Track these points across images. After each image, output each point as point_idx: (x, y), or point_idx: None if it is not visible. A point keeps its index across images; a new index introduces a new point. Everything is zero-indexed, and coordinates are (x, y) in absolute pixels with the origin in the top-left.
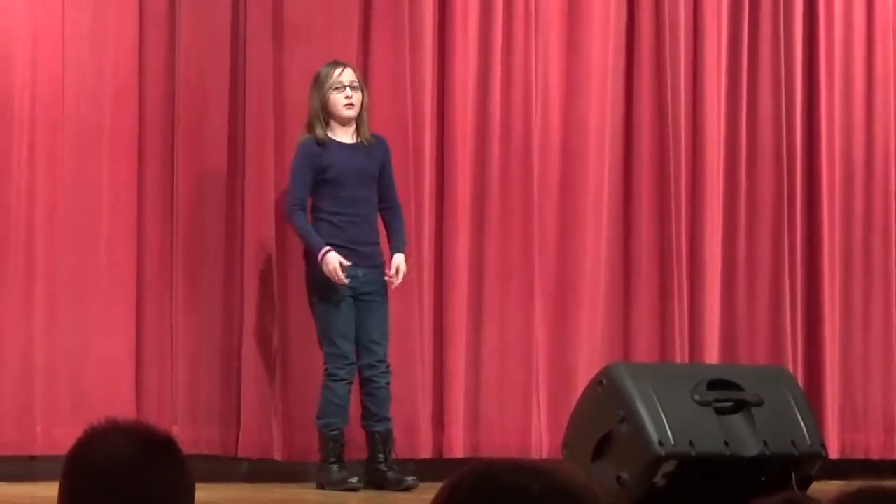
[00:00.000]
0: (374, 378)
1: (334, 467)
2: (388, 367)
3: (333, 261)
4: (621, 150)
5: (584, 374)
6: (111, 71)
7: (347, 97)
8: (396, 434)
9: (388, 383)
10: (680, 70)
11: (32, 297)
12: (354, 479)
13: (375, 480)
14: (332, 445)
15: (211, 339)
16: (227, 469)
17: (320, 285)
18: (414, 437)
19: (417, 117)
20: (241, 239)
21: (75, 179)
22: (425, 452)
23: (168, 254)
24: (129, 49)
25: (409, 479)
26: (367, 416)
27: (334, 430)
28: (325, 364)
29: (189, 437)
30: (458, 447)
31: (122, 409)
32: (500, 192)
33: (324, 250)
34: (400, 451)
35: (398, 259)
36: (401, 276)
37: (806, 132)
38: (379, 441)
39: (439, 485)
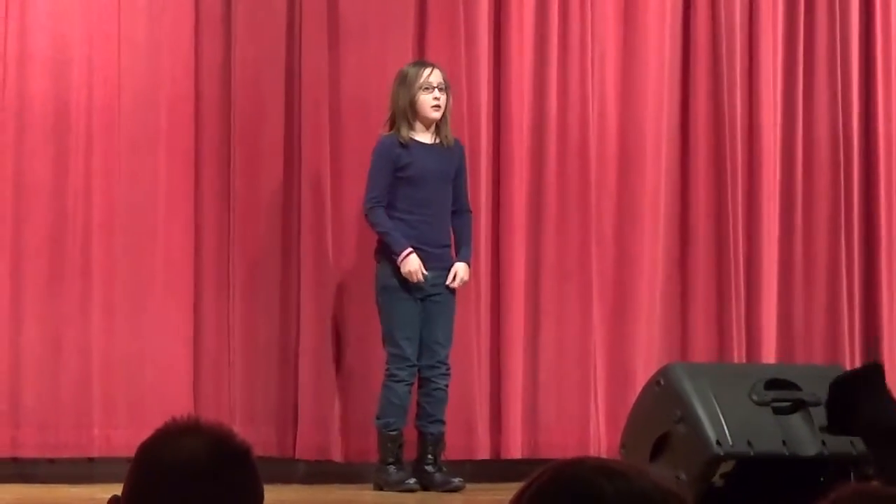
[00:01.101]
0: (433, 379)
1: (392, 468)
2: (448, 368)
3: (415, 263)
4: (678, 151)
5: (641, 375)
6: (167, 74)
7: (436, 98)
8: (454, 435)
9: (447, 385)
10: (736, 70)
11: (90, 300)
12: (412, 481)
13: (422, 480)
14: (391, 446)
15: (268, 341)
16: (284, 470)
17: (389, 285)
18: (471, 438)
19: (473, 117)
20: (298, 240)
21: (132, 183)
22: (483, 453)
23: (225, 256)
24: (185, 52)
25: (457, 480)
26: (423, 415)
27: (393, 430)
28: (386, 364)
29: (246, 438)
30: (515, 448)
31: (180, 410)
32: (556, 192)
33: (406, 251)
34: (457, 452)
35: (459, 268)
36: (457, 282)
37: (863, 131)
38: (430, 442)
39: (496, 486)
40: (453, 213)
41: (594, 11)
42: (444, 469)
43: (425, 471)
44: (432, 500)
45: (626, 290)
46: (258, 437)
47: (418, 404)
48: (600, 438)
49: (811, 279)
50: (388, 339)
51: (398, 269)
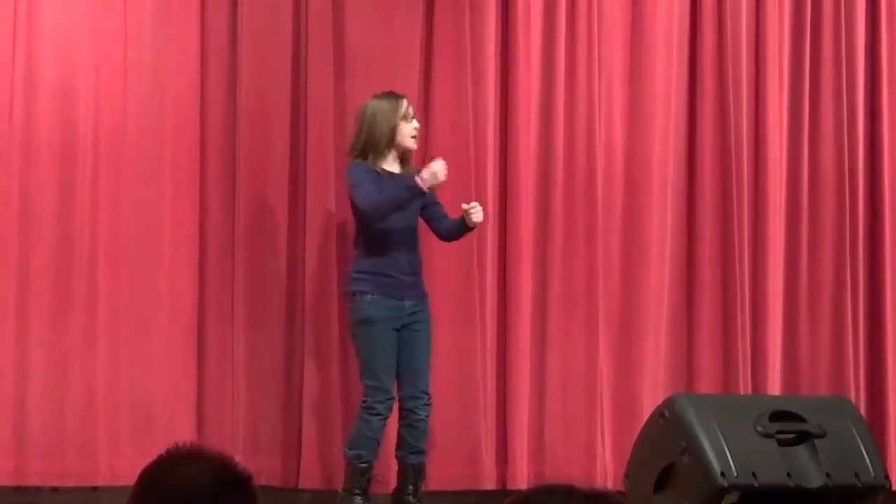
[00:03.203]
0: (415, 409)
1: (358, 499)
2: (429, 398)
3: (433, 165)
4: (684, 180)
5: (648, 405)
6: (173, 102)
7: (415, 128)
8: (460, 465)
9: (427, 416)
10: (742, 99)
11: (95, 328)
12: None
13: None
14: (359, 478)
15: (272, 370)
16: (288, 500)
17: (367, 317)
18: (477, 469)
19: (480, 146)
20: (303, 269)
21: (137, 210)
22: (489, 484)
23: (229, 285)
24: (190, 80)
25: None
26: (403, 446)
27: (364, 462)
28: (364, 396)
29: (250, 467)
30: (522, 478)
31: (185, 440)
32: (563, 221)
33: (417, 178)
34: (463, 482)
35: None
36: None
37: (868, 162)
38: (411, 473)
39: None
40: (442, 222)
41: (601, 39)
42: (425, 500)
43: (405, 501)
44: None
45: (632, 320)
46: (262, 467)
47: (399, 434)
48: (606, 468)
49: (816, 310)
50: (367, 371)
51: (375, 301)
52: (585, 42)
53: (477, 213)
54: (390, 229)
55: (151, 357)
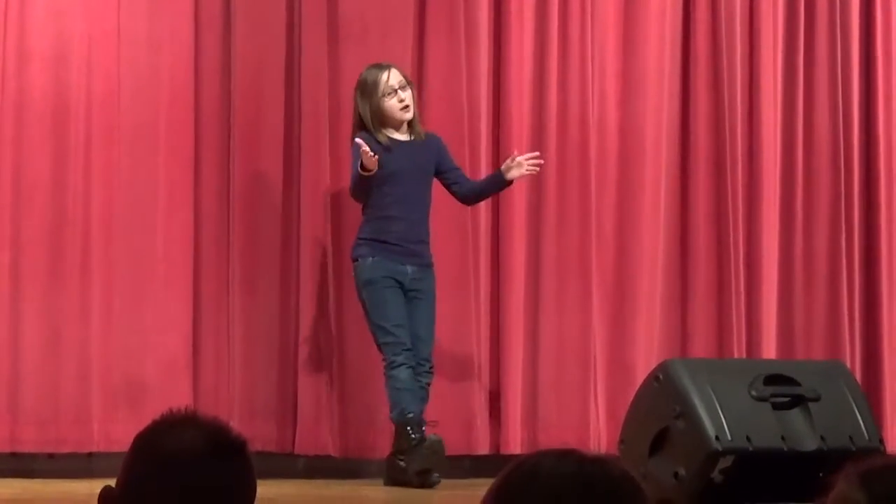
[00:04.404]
0: (416, 377)
1: (422, 447)
2: (431, 366)
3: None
4: (678, 150)
5: (642, 370)
6: (167, 72)
7: (401, 100)
8: (454, 430)
9: (428, 383)
10: (736, 70)
11: (90, 296)
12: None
13: (394, 474)
14: (413, 428)
15: (267, 337)
16: (283, 465)
17: (373, 278)
18: (471, 434)
19: (473, 116)
20: (297, 237)
21: (131, 179)
22: (483, 448)
23: (224, 252)
24: (184, 50)
25: (434, 475)
26: None
27: (410, 413)
28: (383, 356)
29: (246, 433)
30: (515, 443)
31: (179, 405)
32: (556, 190)
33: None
34: (457, 447)
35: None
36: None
37: (863, 129)
38: None
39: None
40: (463, 186)
41: (594, 11)
42: None
43: (398, 465)
44: (425, 495)
45: (626, 287)
46: (258, 433)
47: None
48: (600, 434)
49: (811, 275)
50: (379, 331)
51: (376, 263)
52: (579, 12)
53: (522, 166)
54: (391, 197)
55: (146, 324)
